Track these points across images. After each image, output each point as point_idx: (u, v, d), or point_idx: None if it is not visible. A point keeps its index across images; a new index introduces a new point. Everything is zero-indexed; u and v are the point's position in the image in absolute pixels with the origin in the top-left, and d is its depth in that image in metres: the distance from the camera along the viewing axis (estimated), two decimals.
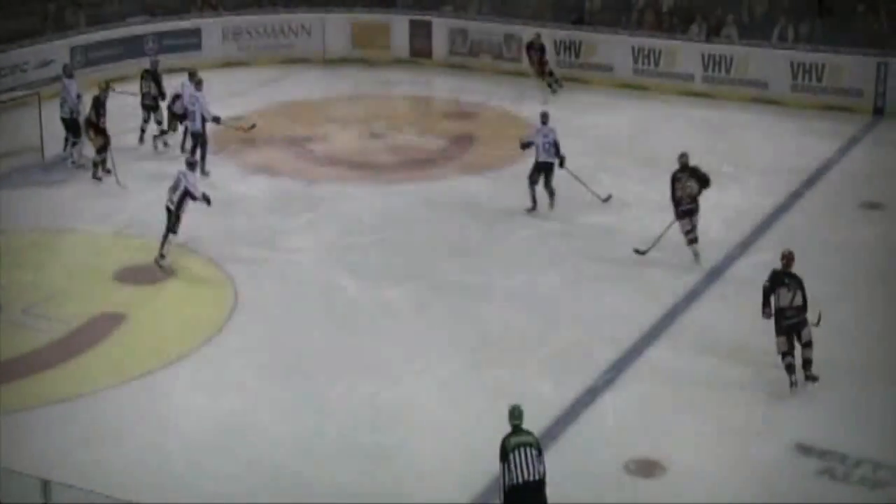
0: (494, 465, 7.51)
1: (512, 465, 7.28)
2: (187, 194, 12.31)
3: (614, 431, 9.18)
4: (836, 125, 17.41)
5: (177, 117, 16.01)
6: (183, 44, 21.01)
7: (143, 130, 16.43)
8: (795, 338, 9.72)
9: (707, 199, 14.20)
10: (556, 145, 13.77)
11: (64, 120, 15.43)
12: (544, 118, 13.96)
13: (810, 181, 15.03)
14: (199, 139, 15.05)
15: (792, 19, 19.06)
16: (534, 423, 8.95)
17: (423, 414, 9.43)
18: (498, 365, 10.21)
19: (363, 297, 11.71)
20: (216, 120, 15.18)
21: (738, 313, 11.10)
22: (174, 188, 12.38)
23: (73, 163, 15.41)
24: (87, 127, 14.89)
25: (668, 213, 13.72)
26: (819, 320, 9.76)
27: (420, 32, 21.59)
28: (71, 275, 12.11)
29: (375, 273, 12.26)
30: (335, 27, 21.80)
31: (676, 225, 12.25)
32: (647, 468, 8.60)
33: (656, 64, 19.55)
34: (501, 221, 13.70)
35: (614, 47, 19.90)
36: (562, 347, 10.53)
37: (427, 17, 21.64)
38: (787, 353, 9.67)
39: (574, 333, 10.79)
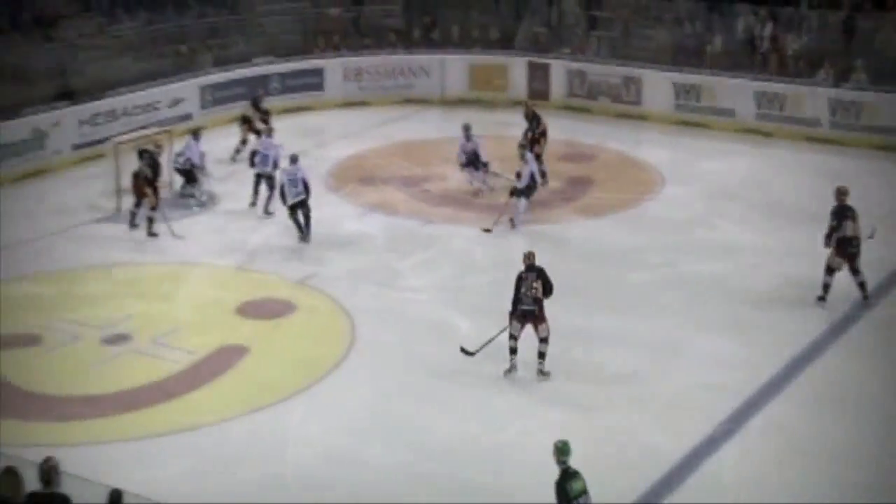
0: None
1: None
2: (306, 187, 14.32)
3: (734, 484, 9.09)
4: None
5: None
6: (305, 84, 21.77)
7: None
8: (849, 266, 11.96)
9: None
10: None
11: (178, 170, 16.14)
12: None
13: None
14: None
15: None
16: (648, 472, 9.05)
17: (529, 456, 9.45)
18: (610, 411, 10.25)
19: (476, 339, 11.86)
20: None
21: (865, 367, 10.90)
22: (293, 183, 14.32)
23: (196, 202, 16.09)
24: (144, 184, 14.71)
25: (788, 263, 13.65)
26: (872, 233, 12.16)
27: (538, 74, 21.86)
28: (196, 307, 12.65)
29: (489, 313, 12.35)
30: (454, 68, 22.25)
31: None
32: None
33: (780, 109, 19.34)
34: (616, 265, 13.75)
35: (736, 91, 19.78)
36: (678, 396, 10.49)
37: (545, 60, 21.91)
38: (834, 271, 12.02)
39: (690, 382, 10.74)
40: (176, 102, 19.64)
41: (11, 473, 7.07)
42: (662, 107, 20.41)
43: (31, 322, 12.03)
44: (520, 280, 10.98)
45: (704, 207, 15.83)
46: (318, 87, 21.85)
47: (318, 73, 21.99)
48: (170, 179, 16.05)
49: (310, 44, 22.90)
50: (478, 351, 11.13)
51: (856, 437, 9.73)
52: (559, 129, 20.59)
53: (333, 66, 22.13)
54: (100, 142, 17.53)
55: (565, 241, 14.72)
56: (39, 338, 11.67)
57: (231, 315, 12.35)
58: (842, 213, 12.18)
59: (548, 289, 10.91)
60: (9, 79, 18.11)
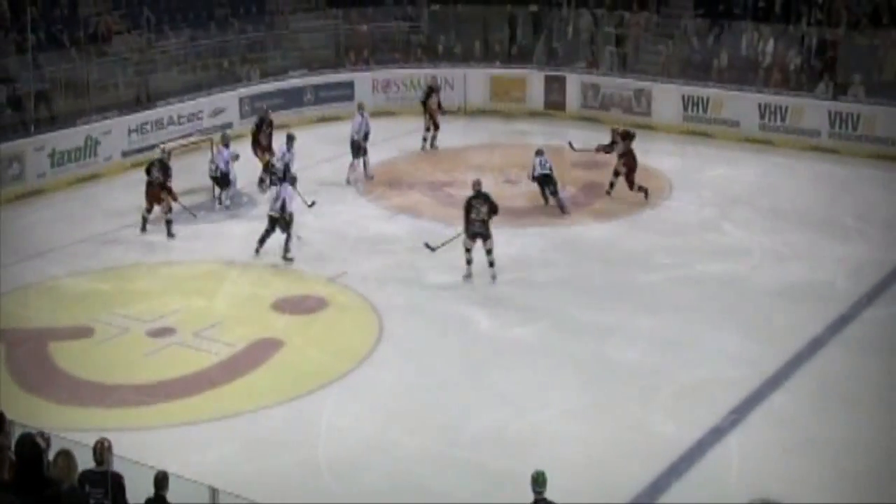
0: (615, 496, 7.47)
1: None
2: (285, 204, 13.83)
3: (738, 472, 9.03)
4: None
5: None
6: (337, 95, 21.77)
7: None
8: None
9: (831, 251, 13.93)
10: None
11: (212, 178, 15.95)
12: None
13: None
14: None
15: None
16: (658, 459, 8.99)
17: (548, 444, 9.46)
18: (623, 402, 10.20)
19: (496, 333, 11.88)
20: None
21: (863, 363, 10.78)
22: (275, 199, 13.76)
23: (221, 205, 15.97)
24: (158, 190, 14.60)
25: (790, 264, 13.56)
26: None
27: (554, 87, 21.77)
28: (235, 303, 12.68)
29: (508, 311, 12.41)
30: (475, 81, 22.17)
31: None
32: None
33: (783, 120, 19.20)
34: (629, 266, 13.67)
35: (740, 103, 19.64)
36: (686, 388, 10.42)
37: (561, 73, 21.82)
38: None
39: (698, 375, 10.66)
40: (217, 112, 19.69)
41: (65, 455, 7.06)
42: (671, 118, 20.30)
43: (84, 315, 12.10)
44: (469, 206, 12.79)
45: (711, 212, 15.73)
46: (349, 98, 21.78)
47: (349, 85, 21.97)
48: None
49: (341, 58, 22.93)
50: (439, 247, 13.19)
51: (855, 428, 9.63)
52: (574, 139, 20.52)
53: (363, 79, 22.11)
54: (148, 149, 17.60)
55: (581, 243, 14.66)
56: (91, 330, 11.74)
57: (267, 310, 12.36)
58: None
59: (493, 210, 12.79)
60: (66, 91, 18.23)
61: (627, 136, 16.45)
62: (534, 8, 23.19)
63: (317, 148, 17.62)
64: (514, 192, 17.04)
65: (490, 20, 23.42)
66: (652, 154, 18.52)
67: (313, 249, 14.20)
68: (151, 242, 14.58)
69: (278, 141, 16.76)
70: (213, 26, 21.42)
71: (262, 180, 16.63)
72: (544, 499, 7.21)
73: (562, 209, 15.68)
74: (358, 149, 17.17)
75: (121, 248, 14.43)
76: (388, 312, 12.22)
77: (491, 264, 12.90)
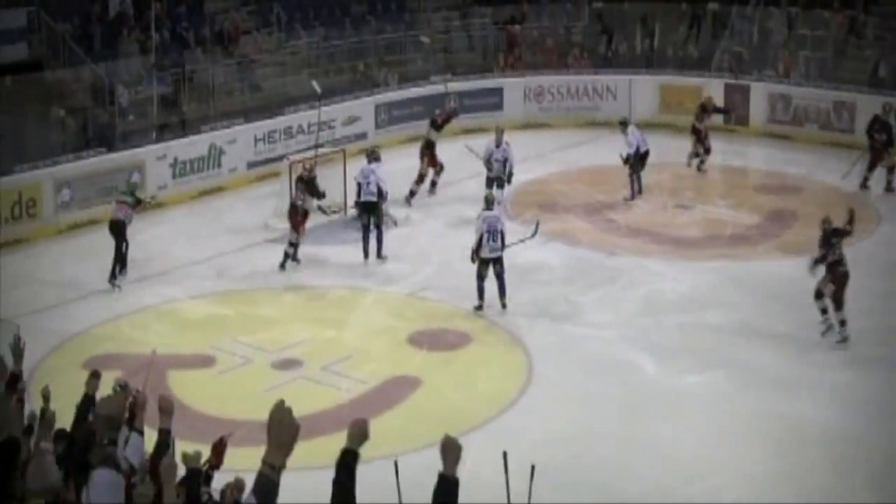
0: None
1: None
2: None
3: None
4: None
5: None
6: (484, 103, 22.11)
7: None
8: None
9: None
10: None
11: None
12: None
13: None
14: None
15: None
16: None
17: None
18: (815, 470, 10.00)
19: (662, 381, 11.83)
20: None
21: None
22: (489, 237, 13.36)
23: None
24: (301, 216, 14.88)
25: None
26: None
27: (736, 97, 21.53)
28: (367, 335, 13.08)
29: (677, 356, 12.34)
30: (643, 90, 22.17)
31: None
32: None
33: None
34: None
35: None
36: (891, 458, 10.12)
37: (745, 81, 21.57)
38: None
39: None
40: (351, 121, 20.37)
41: None
42: None
43: (204, 342, 12.75)
44: (830, 244, 12.39)
45: None
46: (497, 107, 22.15)
47: (498, 92, 22.34)
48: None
49: (489, 62, 23.29)
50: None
51: None
52: (759, 159, 20.28)
53: (513, 86, 22.44)
54: (274, 160, 18.37)
55: (764, 280, 14.44)
56: (213, 359, 12.35)
57: (403, 344, 12.70)
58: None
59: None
60: (190, 95, 19.23)
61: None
62: (714, 6, 23.06)
63: (460, 162, 17.98)
64: (686, 219, 16.96)
65: (661, 20, 23.39)
66: (855, 178, 18.12)
67: (454, 279, 14.49)
68: (277, 264, 15.18)
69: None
70: (349, 25, 22.20)
71: (412, 193, 17.47)
72: None
73: (639, 191, 17.32)
74: (490, 182, 16.91)
75: (244, 270, 15.10)
76: (539, 352, 12.36)
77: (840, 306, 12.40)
